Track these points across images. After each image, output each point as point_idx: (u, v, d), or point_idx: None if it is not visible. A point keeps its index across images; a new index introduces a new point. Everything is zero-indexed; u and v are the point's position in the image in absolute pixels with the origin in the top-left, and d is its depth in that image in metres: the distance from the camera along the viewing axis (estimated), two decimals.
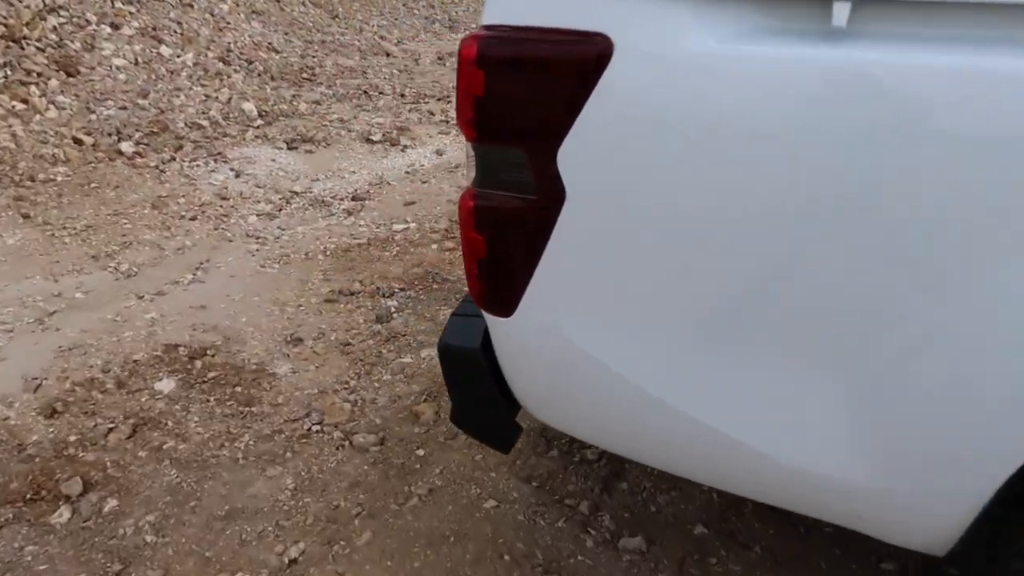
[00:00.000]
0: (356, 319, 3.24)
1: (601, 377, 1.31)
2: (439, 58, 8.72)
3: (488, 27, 1.19)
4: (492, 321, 1.41)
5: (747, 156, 1.06)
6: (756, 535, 2.07)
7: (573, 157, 1.17)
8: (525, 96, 1.18)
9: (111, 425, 2.51)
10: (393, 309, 3.30)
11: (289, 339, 3.08)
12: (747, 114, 1.04)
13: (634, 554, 2.02)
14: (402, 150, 5.46)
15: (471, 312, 1.56)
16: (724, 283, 1.14)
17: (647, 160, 1.12)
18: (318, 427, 2.55)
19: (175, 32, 6.50)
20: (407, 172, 5.03)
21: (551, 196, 1.21)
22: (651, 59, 1.08)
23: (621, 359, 1.27)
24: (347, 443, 2.47)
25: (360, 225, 4.20)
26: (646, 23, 1.06)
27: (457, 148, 5.50)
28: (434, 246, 3.92)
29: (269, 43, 7.75)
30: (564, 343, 1.33)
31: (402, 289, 3.48)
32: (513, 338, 1.39)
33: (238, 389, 2.75)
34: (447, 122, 6.08)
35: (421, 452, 2.42)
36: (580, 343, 1.30)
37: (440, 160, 5.28)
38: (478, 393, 1.52)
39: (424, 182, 4.86)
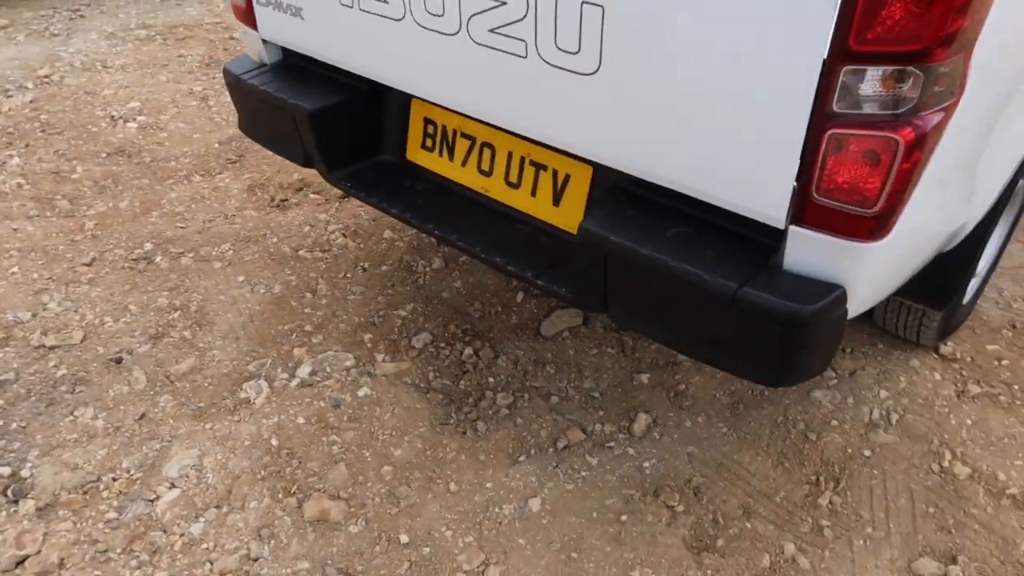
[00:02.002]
0: None
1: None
2: None
3: None
4: (855, 249, 1.30)
5: None
6: (670, 355, 2.39)
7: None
8: None
9: None
10: (10, 465, 1.95)
11: None
12: None
13: (658, 430, 2.12)
14: None
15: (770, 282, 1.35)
16: None
17: None
18: None
19: None
20: None
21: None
22: None
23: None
24: None
25: None
26: None
27: None
28: None
29: None
30: (928, 230, 1.39)
31: None
32: (884, 257, 1.33)
33: None
34: None
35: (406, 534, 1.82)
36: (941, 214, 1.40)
37: None
38: (828, 345, 1.40)
39: None
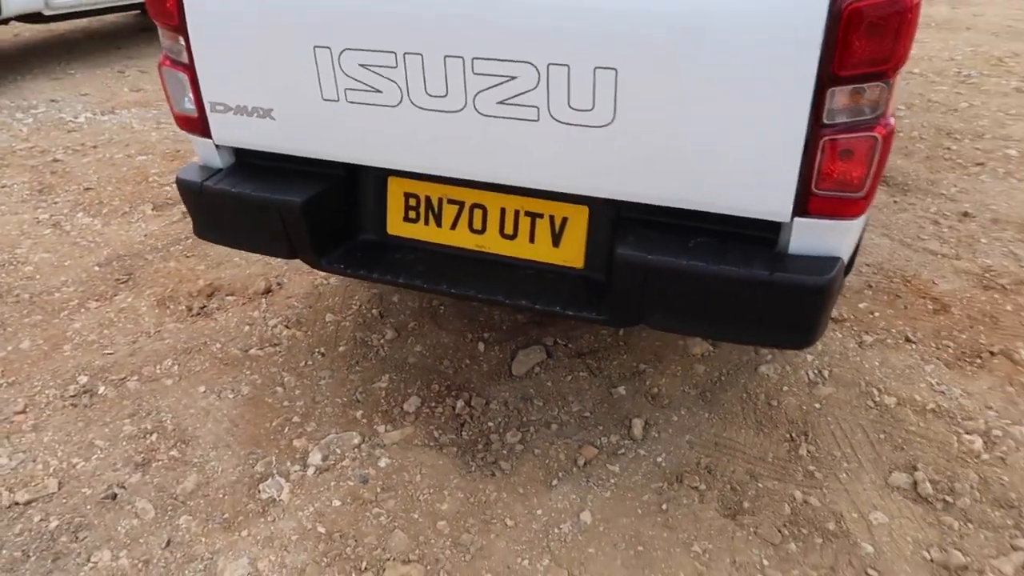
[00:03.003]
0: None
1: None
2: None
3: None
4: (846, 226, 1.68)
5: None
6: (645, 365, 2.69)
7: None
8: None
9: None
10: None
11: None
12: None
13: (654, 429, 2.39)
14: None
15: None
16: None
17: None
18: None
19: None
20: None
21: None
22: None
23: None
24: None
25: None
26: None
27: None
28: None
29: None
30: None
31: None
32: (859, 227, 1.73)
33: None
34: None
35: None
36: None
37: None
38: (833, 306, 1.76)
39: None
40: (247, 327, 2.83)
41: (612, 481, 2.18)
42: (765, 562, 1.94)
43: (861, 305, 2.96)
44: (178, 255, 3.38)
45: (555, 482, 2.18)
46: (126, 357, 2.68)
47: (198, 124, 2.17)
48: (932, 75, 6.00)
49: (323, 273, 3.16)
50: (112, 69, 6.38)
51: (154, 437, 2.32)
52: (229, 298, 3.04)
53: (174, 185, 4.05)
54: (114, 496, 2.11)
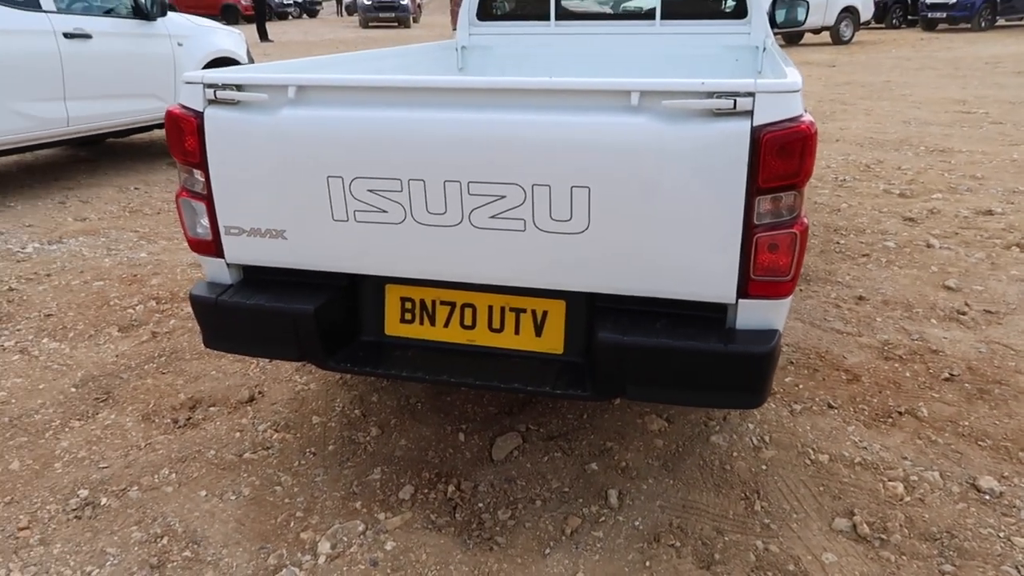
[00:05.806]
0: None
1: None
2: None
3: None
4: (780, 304, 2.08)
5: None
6: (623, 449, 3.00)
7: None
8: None
9: None
10: None
11: None
12: None
13: (628, 498, 2.69)
14: None
15: None
16: None
17: None
18: None
19: None
20: None
21: None
22: None
23: None
24: None
25: None
26: None
27: None
28: None
29: None
30: None
31: None
32: (789, 304, 2.13)
33: None
34: None
35: None
36: None
37: None
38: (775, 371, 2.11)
39: None
40: (238, 433, 3.00)
41: (599, 545, 2.44)
42: None
43: (787, 379, 3.38)
44: (153, 372, 3.52)
45: (548, 550, 2.42)
46: (122, 469, 2.79)
47: (211, 246, 2.43)
48: (815, 181, 6.82)
49: (303, 380, 3.38)
50: (52, 200, 6.49)
51: (165, 540, 2.44)
52: (212, 409, 3.20)
53: (138, 307, 4.21)
54: None
